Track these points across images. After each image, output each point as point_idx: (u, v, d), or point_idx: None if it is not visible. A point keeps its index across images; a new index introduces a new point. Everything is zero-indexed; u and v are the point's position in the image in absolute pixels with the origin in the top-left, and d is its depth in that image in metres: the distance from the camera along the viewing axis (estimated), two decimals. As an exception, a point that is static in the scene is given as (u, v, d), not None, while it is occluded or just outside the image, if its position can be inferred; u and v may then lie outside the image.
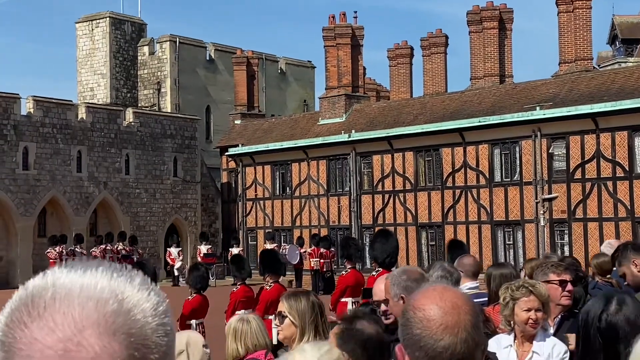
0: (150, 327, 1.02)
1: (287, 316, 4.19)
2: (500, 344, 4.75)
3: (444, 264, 5.68)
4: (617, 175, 26.81)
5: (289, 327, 4.17)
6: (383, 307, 4.27)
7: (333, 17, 36.99)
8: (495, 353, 4.12)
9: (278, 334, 4.30)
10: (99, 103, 41.24)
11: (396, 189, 32.62)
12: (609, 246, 7.63)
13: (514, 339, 4.72)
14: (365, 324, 3.25)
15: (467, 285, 6.35)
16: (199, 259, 33.06)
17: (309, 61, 53.45)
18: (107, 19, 44.74)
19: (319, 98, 38.13)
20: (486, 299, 6.43)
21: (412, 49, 38.92)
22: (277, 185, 37.17)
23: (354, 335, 3.21)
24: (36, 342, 0.97)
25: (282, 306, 4.27)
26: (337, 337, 3.26)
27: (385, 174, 32.94)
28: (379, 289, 4.41)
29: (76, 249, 31.69)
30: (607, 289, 6.88)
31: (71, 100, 35.59)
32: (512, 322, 4.70)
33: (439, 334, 2.01)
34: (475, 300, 5.88)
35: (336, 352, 2.43)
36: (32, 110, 32.98)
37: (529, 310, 4.56)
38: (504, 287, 4.80)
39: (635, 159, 26.51)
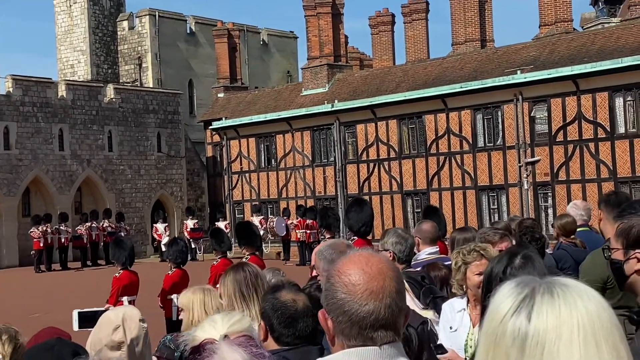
0: None
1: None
2: (454, 308, 4.75)
3: (398, 230, 5.67)
4: (599, 136, 26.86)
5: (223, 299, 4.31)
6: (314, 272, 4.31)
7: (313, -14, 36.67)
8: (428, 321, 4.10)
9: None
10: (80, 80, 40.96)
11: (381, 157, 32.62)
12: (575, 207, 7.65)
13: (467, 303, 4.72)
14: (284, 293, 3.27)
15: (426, 250, 6.35)
16: (186, 234, 33.13)
17: (291, 31, 53.13)
18: (85, -6, 44.28)
19: (301, 69, 37.97)
20: (450, 262, 6.44)
21: (393, 16, 38.73)
22: (262, 157, 37.11)
23: (269, 303, 3.23)
24: None
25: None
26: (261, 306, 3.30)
27: (369, 143, 32.92)
28: None
29: (61, 228, 31.69)
30: (572, 249, 6.91)
31: (50, 78, 35.33)
32: (464, 286, 4.70)
33: (364, 299, 2.00)
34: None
35: (247, 321, 2.43)
36: (11, 89, 32.74)
37: (480, 274, 4.55)
38: (456, 252, 4.80)
39: (616, 120, 26.55)
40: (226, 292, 4.24)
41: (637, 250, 2.73)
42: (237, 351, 1.89)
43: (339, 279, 2.05)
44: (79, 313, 4.60)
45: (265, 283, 4.26)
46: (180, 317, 4.99)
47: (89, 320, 4.18)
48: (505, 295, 1.58)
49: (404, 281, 2.10)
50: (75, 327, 4.57)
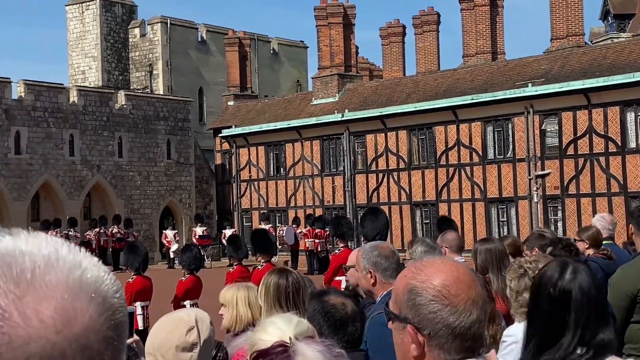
0: (111, 290, 1.02)
1: None
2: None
3: (425, 239, 5.68)
4: (610, 150, 26.84)
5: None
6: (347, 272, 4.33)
7: (324, -4, 36.79)
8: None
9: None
10: (91, 86, 41.08)
11: (390, 167, 32.63)
12: (602, 219, 7.62)
13: None
14: (332, 297, 3.28)
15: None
16: (194, 241, 33.12)
17: (301, 41, 53.26)
18: (97, 1, 44.43)
19: (312, 78, 38.04)
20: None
21: (404, 27, 38.85)
22: (271, 166, 37.15)
23: (319, 306, 3.24)
24: (36, 313, 0.93)
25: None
26: (307, 310, 3.30)
27: (378, 153, 32.94)
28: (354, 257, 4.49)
29: (70, 233, 31.70)
30: (602, 262, 6.92)
31: (62, 84, 35.42)
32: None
33: (468, 309, 1.99)
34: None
35: (305, 323, 2.44)
36: (23, 94, 32.81)
37: None
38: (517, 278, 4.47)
39: (627, 134, 26.53)
40: (266, 296, 4.18)
41: None
42: (320, 351, 1.90)
43: (433, 291, 1.99)
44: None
45: (306, 297, 4.23)
46: (220, 313, 4.97)
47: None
48: None
49: None
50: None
